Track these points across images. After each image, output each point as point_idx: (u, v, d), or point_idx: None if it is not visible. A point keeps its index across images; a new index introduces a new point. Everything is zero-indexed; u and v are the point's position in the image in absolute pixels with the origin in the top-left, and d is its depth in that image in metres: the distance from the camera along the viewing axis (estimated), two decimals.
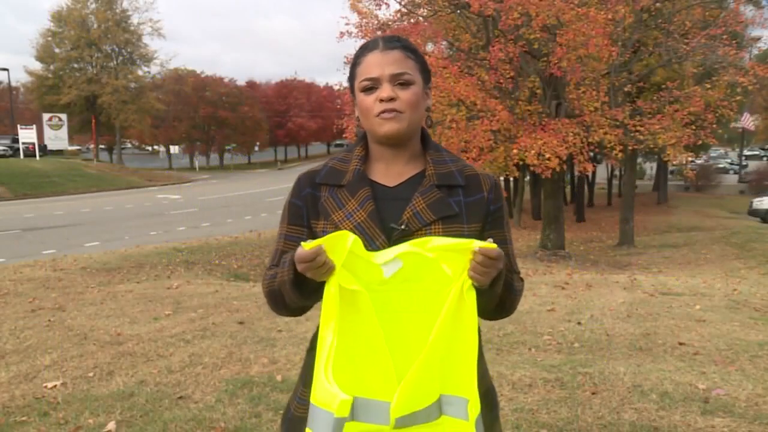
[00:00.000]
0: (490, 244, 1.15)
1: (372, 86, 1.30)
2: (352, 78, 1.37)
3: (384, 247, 1.25)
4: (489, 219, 1.36)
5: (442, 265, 1.19)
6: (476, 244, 1.16)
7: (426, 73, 1.37)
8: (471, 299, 1.19)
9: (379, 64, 1.30)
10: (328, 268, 1.15)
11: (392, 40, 1.34)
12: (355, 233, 1.26)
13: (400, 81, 1.30)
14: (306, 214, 1.36)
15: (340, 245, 1.17)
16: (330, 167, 1.38)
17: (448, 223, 1.29)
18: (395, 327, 1.20)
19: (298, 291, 1.25)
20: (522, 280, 1.43)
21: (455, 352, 1.20)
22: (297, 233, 1.38)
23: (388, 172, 1.37)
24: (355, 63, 1.36)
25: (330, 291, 1.18)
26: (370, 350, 1.19)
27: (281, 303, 1.33)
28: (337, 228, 1.29)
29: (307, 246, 1.12)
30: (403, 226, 1.28)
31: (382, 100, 1.29)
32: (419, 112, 1.34)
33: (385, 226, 1.28)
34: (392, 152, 1.36)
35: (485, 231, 1.37)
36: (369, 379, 1.18)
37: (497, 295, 1.28)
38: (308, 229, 1.37)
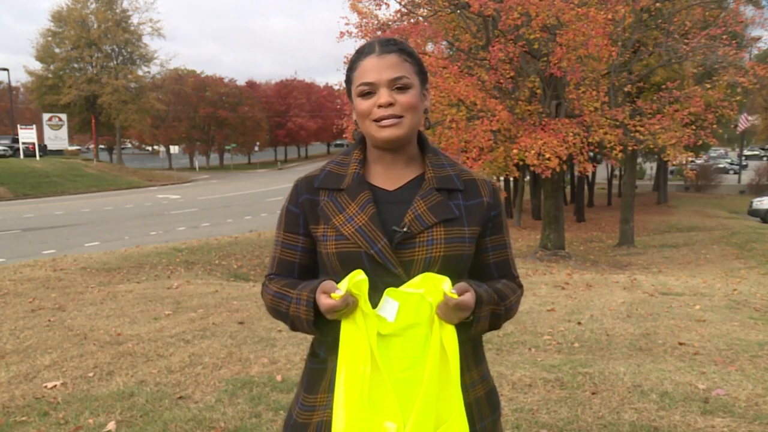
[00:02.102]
0: (452, 294, 1.19)
1: (369, 91, 1.30)
2: (348, 82, 1.36)
3: (386, 250, 1.25)
4: (489, 225, 1.37)
5: (427, 297, 1.22)
6: (446, 287, 1.20)
7: (423, 74, 1.36)
8: (448, 327, 1.23)
9: (376, 69, 1.29)
10: (353, 307, 1.21)
11: (388, 43, 1.32)
12: (356, 236, 1.27)
13: (398, 85, 1.29)
14: (303, 221, 1.36)
15: (355, 278, 1.21)
16: (328, 171, 1.38)
17: (449, 225, 1.30)
18: (401, 371, 1.22)
19: (316, 329, 1.29)
20: (521, 286, 1.43)
21: (444, 382, 1.22)
22: (292, 241, 1.38)
23: (387, 176, 1.37)
24: (351, 67, 1.35)
25: (352, 322, 1.22)
26: (375, 387, 1.21)
27: (288, 324, 1.36)
28: (338, 231, 1.29)
29: (336, 297, 1.18)
30: (405, 229, 1.27)
31: (380, 106, 1.28)
32: (418, 115, 1.33)
33: (387, 229, 1.28)
34: (391, 155, 1.36)
35: (486, 236, 1.37)
36: (378, 418, 1.20)
37: (482, 331, 1.30)
38: (304, 236, 1.37)
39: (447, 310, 1.20)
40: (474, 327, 1.27)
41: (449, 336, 1.23)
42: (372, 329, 1.21)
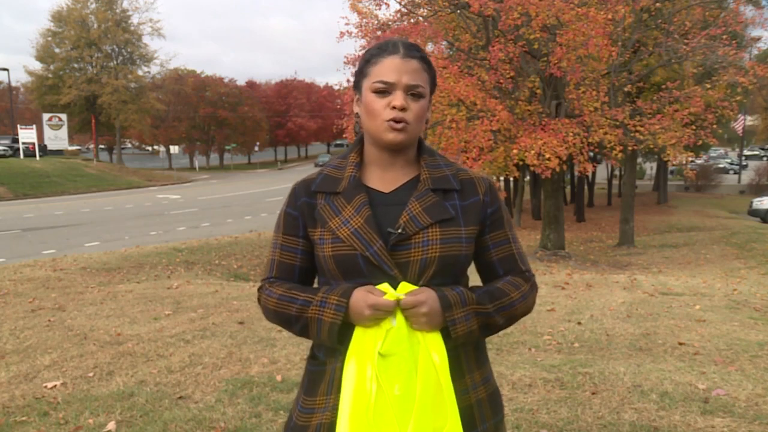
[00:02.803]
0: (400, 297, 1.23)
1: (386, 90, 1.30)
2: (361, 74, 1.36)
3: (381, 252, 1.25)
4: (488, 222, 1.36)
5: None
6: (400, 295, 1.23)
7: (434, 86, 1.38)
8: (434, 341, 1.24)
9: (397, 70, 1.29)
10: (386, 316, 1.23)
11: (413, 48, 1.33)
12: (352, 238, 1.27)
13: (413, 92, 1.30)
14: (302, 223, 1.36)
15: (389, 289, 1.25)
16: (325, 174, 1.38)
17: (445, 226, 1.29)
18: (396, 389, 1.22)
19: (338, 337, 1.27)
20: (528, 280, 1.39)
21: (438, 393, 1.22)
22: (292, 244, 1.38)
23: (384, 178, 1.36)
24: (370, 60, 1.34)
25: (365, 333, 1.23)
26: (378, 404, 1.21)
27: (294, 328, 1.34)
28: (334, 234, 1.29)
29: (392, 296, 1.21)
30: (400, 230, 1.27)
31: (394, 107, 1.28)
32: (422, 125, 1.35)
33: (382, 230, 1.28)
34: (389, 157, 1.36)
35: (486, 234, 1.36)
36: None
37: (468, 333, 1.28)
38: (304, 239, 1.37)
39: (409, 316, 1.23)
40: (452, 330, 1.25)
41: (436, 344, 1.23)
42: (375, 346, 1.21)
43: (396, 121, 1.29)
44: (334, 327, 1.25)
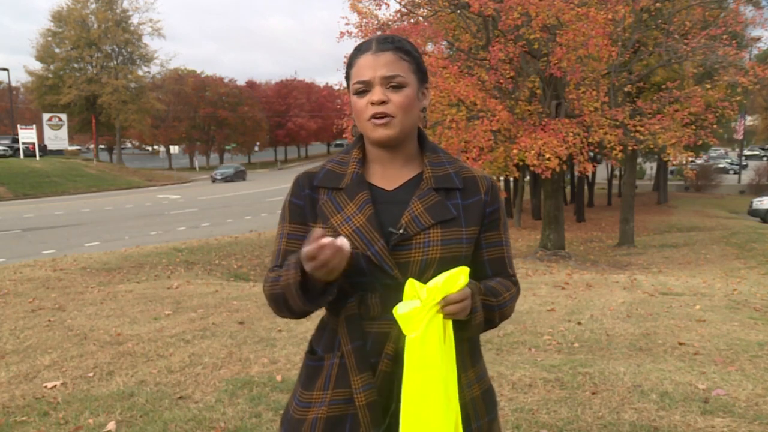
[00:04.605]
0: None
1: (364, 89, 1.29)
2: (347, 79, 1.37)
3: (382, 252, 1.24)
4: (485, 221, 1.35)
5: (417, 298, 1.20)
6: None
7: (421, 73, 1.36)
8: (436, 331, 1.21)
9: (371, 67, 1.29)
10: (336, 266, 1.14)
11: (385, 41, 1.32)
12: (353, 237, 1.26)
13: (392, 84, 1.28)
14: (307, 213, 1.35)
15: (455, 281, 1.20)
16: (328, 170, 1.37)
17: (447, 226, 1.29)
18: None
19: (303, 295, 1.22)
20: (515, 284, 1.41)
21: (449, 384, 1.21)
22: (300, 231, 1.36)
23: (386, 175, 1.36)
24: (349, 64, 1.35)
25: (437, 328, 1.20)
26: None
27: (284, 307, 1.29)
28: (335, 232, 1.28)
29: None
30: (401, 230, 1.27)
31: (373, 103, 1.28)
32: (412, 115, 1.32)
33: (384, 229, 1.27)
34: (388, 154, 1.35)
35: (482, 233, 1.36)
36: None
37: (479, 324, 1.28)
38: (310, 228, 1.36)
39: (450, 311, 1.20)
40: (473, 317, 1.24)
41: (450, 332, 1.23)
42: (442, 333, 1.20)
43: (377, 116, 1.28)
44: (296, 284, 1.21)
